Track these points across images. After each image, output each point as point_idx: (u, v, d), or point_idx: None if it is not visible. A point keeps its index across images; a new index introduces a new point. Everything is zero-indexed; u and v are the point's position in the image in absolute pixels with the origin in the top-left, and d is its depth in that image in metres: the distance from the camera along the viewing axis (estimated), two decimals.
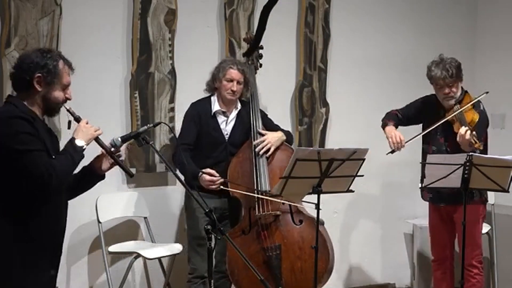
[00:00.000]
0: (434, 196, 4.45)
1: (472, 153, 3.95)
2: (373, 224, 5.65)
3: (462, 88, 4.38)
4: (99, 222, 4.40)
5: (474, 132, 4.06)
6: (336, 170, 3.74)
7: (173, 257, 4.55)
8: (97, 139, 3.06)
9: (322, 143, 5.33)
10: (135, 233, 4.75)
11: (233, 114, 4.41)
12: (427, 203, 4.58)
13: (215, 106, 4.37)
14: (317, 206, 3.82)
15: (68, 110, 3.02)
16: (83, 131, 3.00)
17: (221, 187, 4.20)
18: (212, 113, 4.35)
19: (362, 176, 3.89)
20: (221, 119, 4.38)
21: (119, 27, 4.56)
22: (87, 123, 3.03)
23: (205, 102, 4.41)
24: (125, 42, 4.58)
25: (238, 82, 4.33)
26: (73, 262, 4.44)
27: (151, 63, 4.62)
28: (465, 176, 3.96)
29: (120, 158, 3.16)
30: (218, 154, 4.34)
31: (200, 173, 4.18)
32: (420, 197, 4.58)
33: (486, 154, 4.30)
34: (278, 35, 5.01)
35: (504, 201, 5.12)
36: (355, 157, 3.76)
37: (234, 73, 4.32)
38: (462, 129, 4.07)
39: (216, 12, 4.89)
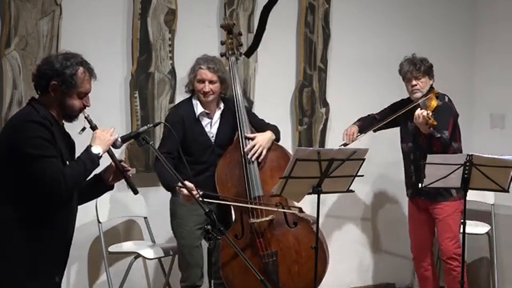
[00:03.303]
0: (413, 191, 4.65)
1: (472, 153, 3.98)
2: (373, 224, 5.65)
3: (431, 87, 4.57)
4: (99, 222, 4.40)
5: (429, 112, 4.26)
6: (336, 170, 3.74)
7: (173, 257, 4.55)
8: (110, 153, 3.06)
9: (322, 143, 5.33)
10: (135, 233, 4.75)
11: (217, 115, 4.25)
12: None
13: (198, 109, 4.19)
14: (317, 207, 3.83)
15: (86, 118, 3.02)
16: (100, 138, 2.99)
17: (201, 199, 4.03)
18: (197, 116, 4.18)
19: (362, 176, 3.89)
20: (205, 121, 4.22)
21: (119, 27, 4.56)
22: (102, 131, 3.02)
23: (187, 105, 4.23)
24: (125, 42, 4.58)
25: (210, 82, 4.13)
26: (73, 262, 4.44)
27: (151, 63, 4.62)
28: (465, 176, 3.97)
29: (129, 173, 3.16)
30: (207, 158, 4.18)
31: (177, 187, 3.87)
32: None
33: (456, 143, 4.54)
34: (278, 35, 5.01)
35: (504, 201, 5.12)
36: (355, 157, 3.76)
37: (203, 73, 4.13)
38: (418, 111, 4.28)
39: (216, 12, 4.89)
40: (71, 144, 3.07)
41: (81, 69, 2.94)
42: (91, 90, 3.02)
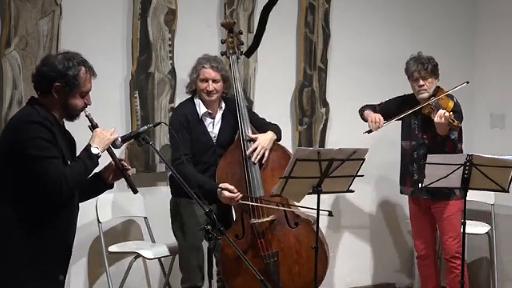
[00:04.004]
0: (415, 189, 4.60)
1: (472, 153, 3.98)
2: (373, 224, 5.65)
3: (438, 86, 4.53)
4: (99, 222, 4.41)
5: (451, 113, 4.20)
6: (336, 170, 3.74)
7: (173, 257, 4.55)
8: (111, 152, 3.07)
9: (322, 143, 5.33)
10: (135, 233, 4.75)
11: (219, 115, 4.24)
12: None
13: (202, 109, 4.17)
14: (317, 207, 3.82)
15: (87, 116, 3.03)
16: (100, 137, 3.00)
17: (240, 201, 4.05)
18: (200, 117, 4.17)
19: (362, 176, 3.89)
20: (207, 121, 4.21)
21: (119, 27, 4.56)
22: (102, 130, 3.03)
23: (189, 105, 4.21)
24: (125, 42, 4.58)
25: (214, 81, 4.13)
26: (73, 262, 4.42)
27: (151, 63, 4.62)
28: (465, 176, 3.97)
29: (129, 172, 3.16)
30: (208, 158, 4.17)
31: (219, 189, 4.00)
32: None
33: (460, 144, 4.50)
34: (278, 35, 5.01)
35: (504, 201, 5.12)
36: (355, 157, 3.76)
37: (207, 72, 4.13)
38: (441, 111, 4.21)
39: (216, 12, 4.89)
40: (71, 143, 3.07)
41: (83, 69, 2.95)
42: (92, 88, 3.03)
